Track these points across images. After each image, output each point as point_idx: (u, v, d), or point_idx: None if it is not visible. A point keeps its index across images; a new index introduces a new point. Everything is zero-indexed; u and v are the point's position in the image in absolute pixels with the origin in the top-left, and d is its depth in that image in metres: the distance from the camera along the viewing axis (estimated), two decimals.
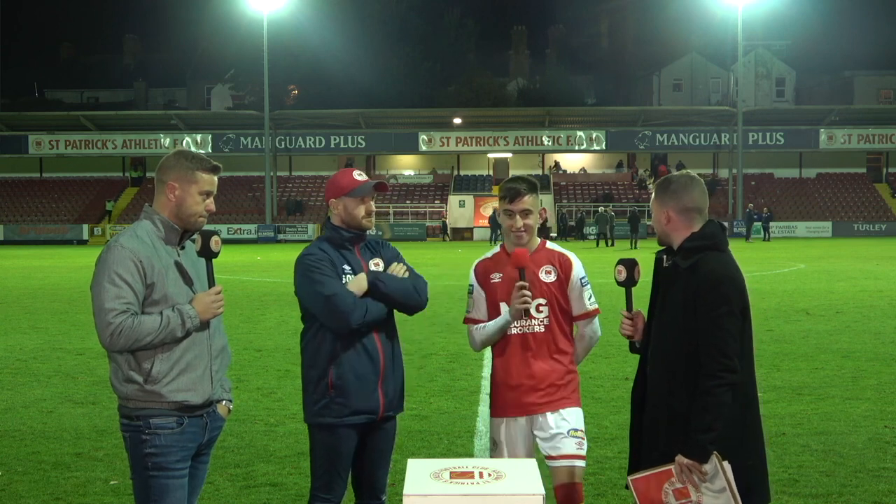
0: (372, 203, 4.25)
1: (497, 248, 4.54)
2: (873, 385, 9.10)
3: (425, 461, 3.31)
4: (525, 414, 4.35)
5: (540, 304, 4.34)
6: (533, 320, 4.35)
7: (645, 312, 3.99)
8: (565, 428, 4.30)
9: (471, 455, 6.68)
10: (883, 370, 9.91)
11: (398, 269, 4.26)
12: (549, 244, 4.52)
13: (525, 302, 4.22)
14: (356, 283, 4.12)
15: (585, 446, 4.36)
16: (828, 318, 14.33)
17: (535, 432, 4.34)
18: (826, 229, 54.16)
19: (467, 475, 3.10)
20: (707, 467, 3.51)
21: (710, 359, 3.52)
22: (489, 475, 3.11)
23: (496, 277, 4.43)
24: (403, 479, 3.10)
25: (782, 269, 24.69)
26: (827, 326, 13.39)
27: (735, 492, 3.51)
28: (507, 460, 3.84)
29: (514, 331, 4.36)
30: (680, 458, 3.53)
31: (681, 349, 3.63)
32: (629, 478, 3.71)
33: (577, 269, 4.43)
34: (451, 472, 3.13)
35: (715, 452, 3.51)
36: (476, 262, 4.61)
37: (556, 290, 4.37)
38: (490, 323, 4.41)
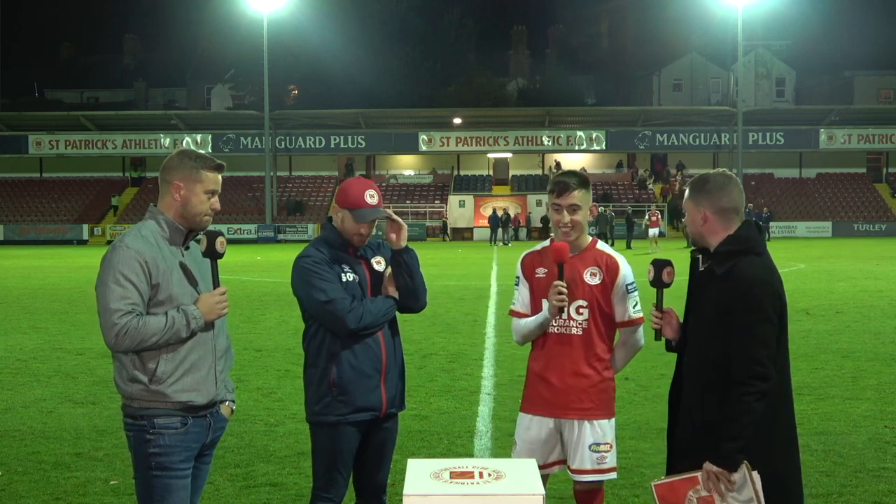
0: (370, 227, 4.21)
1: (547, 242, 4.38)
2: (873, 385, 9.11)
3: (425, 461, 3.30)
4: (553, 415, 4.27)
5: (580, 306, 4.23)
6: (571, 321, 4.24)
7: (681, 313, 3.92)
8: (588, 443, 4.23)
9: (471, 455, 6.69)
10: (883, 370, 9.91)
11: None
12: (600, 245, 4.36)
13: (561, 300, 4.11)
14: (403, 231, 4.16)
15: (610, 458, 4.27)
16: (828, 318, 14.33)
17: (565, 437, 4.28)
18: (826, 229, 54.17)
19: (467, 475, 3.10)
20: (735, 476, 3.43)
21: (741, 366, 3.44)
22: (489, 475, 3.11)
23: (541, 272, 4.32)
24: (403, 479, 3.10)
25: (782, 269, 24.57)
26: (827, 326, 13.40)
27: (762, 502, 3.43)
28: (507, 460, 3.83)
29: (552, 329, 4.26)
30: (708, 466, 3.45)
31: (711, 356, 3.57)
32: (652, 483, 3.63)
33: (625, 274, 4.27)
34: (451, 472, 3.13)
35: (745, 462, 3.43)
36: (524, 254, 4.49)
37: (598, 294, 4.23)
38: (531, 318, 4.31)
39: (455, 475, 3.10)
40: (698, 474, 3.50)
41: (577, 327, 4.24)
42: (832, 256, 32.23)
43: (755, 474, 3.44)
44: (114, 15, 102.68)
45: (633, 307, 4.28)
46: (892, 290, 18.72)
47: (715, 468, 3.44)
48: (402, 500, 2.99)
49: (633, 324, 4.30)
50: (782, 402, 3.59)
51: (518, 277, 4.44)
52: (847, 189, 58.80)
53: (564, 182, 4.22)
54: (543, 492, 2.99)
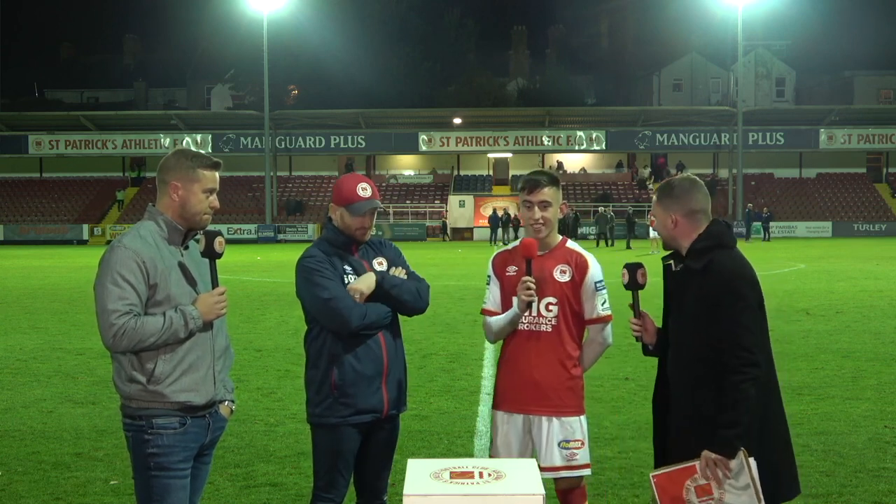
0: (370, 219, 4.22)
1: (517, 242, 4.45)
2: (873, 385, 9.11)
3: (425, 461, 3.30)
4: (522, 412, 4.32)
5: (550, 303, 4.28)
6: (541, 318, 4.28)
7: (657, 318, 3.98)
8: (557, 440, 4.27)
9: (471, 455, 6.69)
10: (883, 370, 9.91)
11: (397, 273, 4.27)
12: (570, 243, 4.43)
13: (529, 295, 4.16)
14: (365, 281, 4.13)
15: (581, 455, 4.29)
16: (828, 318, 14.33)
17: (533, 434, 4.32)
18: (826, 229, 54.16)
19: (467, 475, 3.10)
20: (733, 463, 3.51)
21: (732, 355, 3.53)
22: (489, 475, 3.10)
23: (511, 270, 4.38)
24: (403, 479, 3.10)
25: (782, 269, 24.69)
26: (827, 326, 13.39)
27: (759, 489, 3.50)
28: (507, 460, 3.83)
29: (522, 326, 4.31)
30: (707, 454, 3.53)
31: (700, 351, 3.63)
32: (651, 475, 3.69)
33: (594, 272, 4.32)
34: (451, 472, 3.12)
35: (742, 449, 3.51)
36: (495, 252, 4.56)
37: (568, 291, 4.28)
38: (502, 316, 4.35)
39: (455, 475, 3.10)
40: (696, 463, 3.57)
41: (546, 324, 4.29)
42: (832, 256, 32.21)
43: (752, 460, 3.52)
44: (114, 15, 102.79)
45: (602, 304, 4.34)
46: (892, 290, 18.72)
47: (714, 455, 3.52)
48: (402, 500, 2.99)
49: (602, 321, 4.36)
50: (772, 394, 3.68)
51: (489, 276, 4.50)
52: (847, 189, 58.79)
53: (535, 179, 4.31)
54: (543, 492, 2.98)
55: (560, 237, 4.43)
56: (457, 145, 59.45)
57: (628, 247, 40.54)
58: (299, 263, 4.20)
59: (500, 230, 49.15)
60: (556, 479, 4.32)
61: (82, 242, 53.63)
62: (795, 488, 3.70)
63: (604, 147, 59.21)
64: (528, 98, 70.85)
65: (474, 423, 7.65)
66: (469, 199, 57.27)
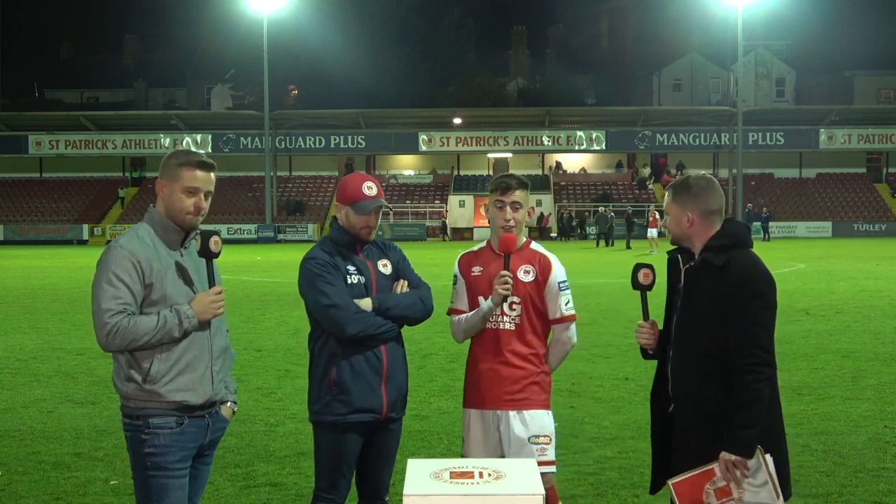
0: (375, 218, 4.24)
1: (483, 244, 4.56)
2: (873, 385, 9.12)
3: (425, 461, 3.30)
4: (490, 408, 4.36)
5: (514, 302, 4.35)
6: (505, 317, 4.36)
7: (657, 315, 3.96)
8: (526, 435, 4.30)
9: None
10: (883, 370, 9.91)
11: (400, 287, 4.30)
12: (534, 245, 4.52)
13: (506, 288, 4.23)
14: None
15: (550, 451, 4.32)
16: (828, 318, 14.33)
17: (501, 430, 4.35)
18: (826, 229, 54.15)
19: (467, 475, 3.10)
20: (750, 462, 3.50)
21: (747, 354, 3.51)
22: (489, 475, 3.11)
23: (476, 270, 4.46)
24: (403, 479, 3.10)
25: (782, 269, 24.67)
26: (827, 326, 13.39)
27: (777, 484, 3.50)
28: (507, 460, 3.84)
29: (487, 325, 4.38)
30: (725, 455, 3.50)
31: (708, 348, 3.61)
32: (670, 482, 3.65)
33: (557, 272, 4.41)
34: (451, 472, 3.13)
35: (759, 447, 3.50)
36: (461, 254, 4.63)
37: (531, 290, 4.37)
38: (472, 312, 4.41)
39: (455, 475, 3.10)
40: (715, 466, 3.54)
41: (510, 322, 4.37)
42: (832, 256, 32.21)
43: (768, 457, 3.50)
44: (114, 15, 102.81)
45: (566, 304, 4.43)
46: (892, 290, 18.72)
47: (732, 457, 3.49)
48: (402, 501, 2.99)
49: (565, 321, 4.43)
50: (776, 394, 3.67)
51: (456, 276, 4.56)
52: (847, 189, 58.79)
53: (506, 182, 4.42)
54: (543, 492, 2.99)
55: (525, 239, 4.50)
56: (457, 145, 59.45)
57: (628, 247, 40.54)
58: (303, 264, 4.21)
59: None
60: None
61: (82, 242, 53.62)
62: (789, 492, 3.68)
63: (604, 147, 59.20)
64: (528, 98, 70.82)
65: None
66: (469, 199, 57.24)
